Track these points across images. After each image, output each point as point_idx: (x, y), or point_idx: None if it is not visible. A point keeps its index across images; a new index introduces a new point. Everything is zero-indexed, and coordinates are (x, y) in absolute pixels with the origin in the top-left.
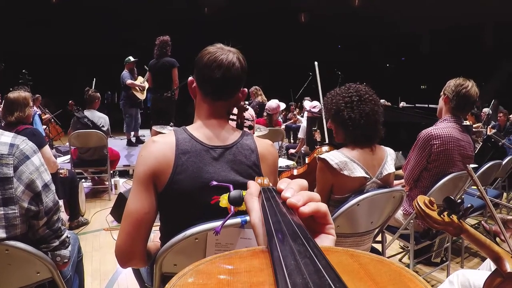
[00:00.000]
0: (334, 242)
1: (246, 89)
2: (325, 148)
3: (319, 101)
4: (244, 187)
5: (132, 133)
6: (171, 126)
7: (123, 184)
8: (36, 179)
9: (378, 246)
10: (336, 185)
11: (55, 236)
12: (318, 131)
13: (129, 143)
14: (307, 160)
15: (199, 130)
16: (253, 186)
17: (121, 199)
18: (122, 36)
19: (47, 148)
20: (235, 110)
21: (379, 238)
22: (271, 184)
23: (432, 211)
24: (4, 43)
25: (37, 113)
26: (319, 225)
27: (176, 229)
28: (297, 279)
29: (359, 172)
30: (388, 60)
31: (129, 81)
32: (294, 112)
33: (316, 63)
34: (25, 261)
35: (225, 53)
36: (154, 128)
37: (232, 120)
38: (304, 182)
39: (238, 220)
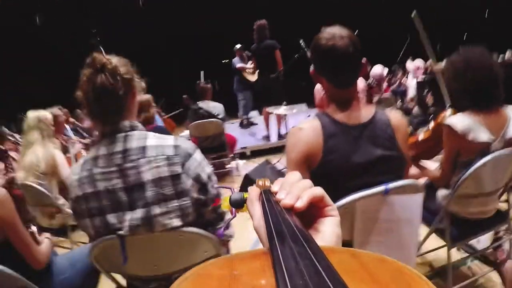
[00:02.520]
0: (338, 222)
1: (365, 58)
2: (448, 112)
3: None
4: (387, 160)
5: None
6: (285, 105)
7: (243, 165)
8: (201, 172)
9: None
10: (462, 149)
11: (220, 218)
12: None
13: (241, 125)
14: (431, 126)
15: (337, 112)
16: (254, 189)
17: (248, 179)
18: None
19: None
20: (363, 86)
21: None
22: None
23: None
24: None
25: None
26: (319, 210)
27: None
28: (298, 281)
29: (484, 136)
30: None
31: (238, 65)
32: (399, 76)
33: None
34: (196, 243)
35: (338, 42)
36: (268, 109)
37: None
38: (295, 176)
39: (382, 188)
